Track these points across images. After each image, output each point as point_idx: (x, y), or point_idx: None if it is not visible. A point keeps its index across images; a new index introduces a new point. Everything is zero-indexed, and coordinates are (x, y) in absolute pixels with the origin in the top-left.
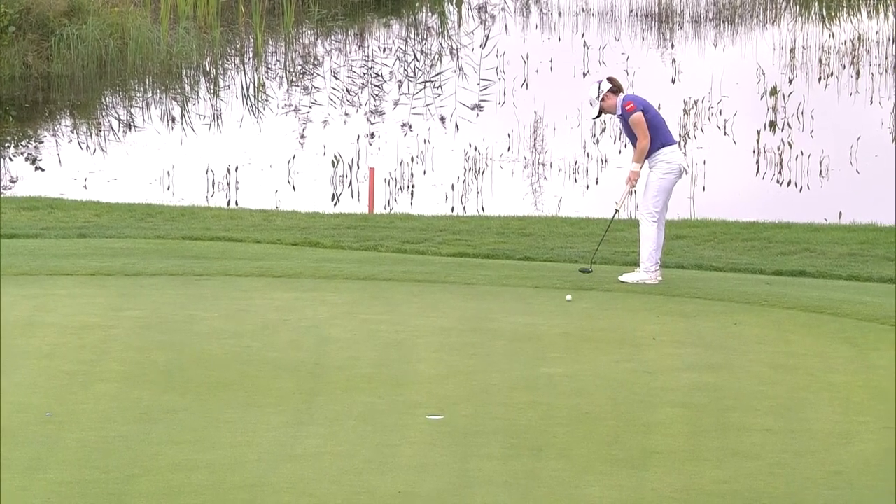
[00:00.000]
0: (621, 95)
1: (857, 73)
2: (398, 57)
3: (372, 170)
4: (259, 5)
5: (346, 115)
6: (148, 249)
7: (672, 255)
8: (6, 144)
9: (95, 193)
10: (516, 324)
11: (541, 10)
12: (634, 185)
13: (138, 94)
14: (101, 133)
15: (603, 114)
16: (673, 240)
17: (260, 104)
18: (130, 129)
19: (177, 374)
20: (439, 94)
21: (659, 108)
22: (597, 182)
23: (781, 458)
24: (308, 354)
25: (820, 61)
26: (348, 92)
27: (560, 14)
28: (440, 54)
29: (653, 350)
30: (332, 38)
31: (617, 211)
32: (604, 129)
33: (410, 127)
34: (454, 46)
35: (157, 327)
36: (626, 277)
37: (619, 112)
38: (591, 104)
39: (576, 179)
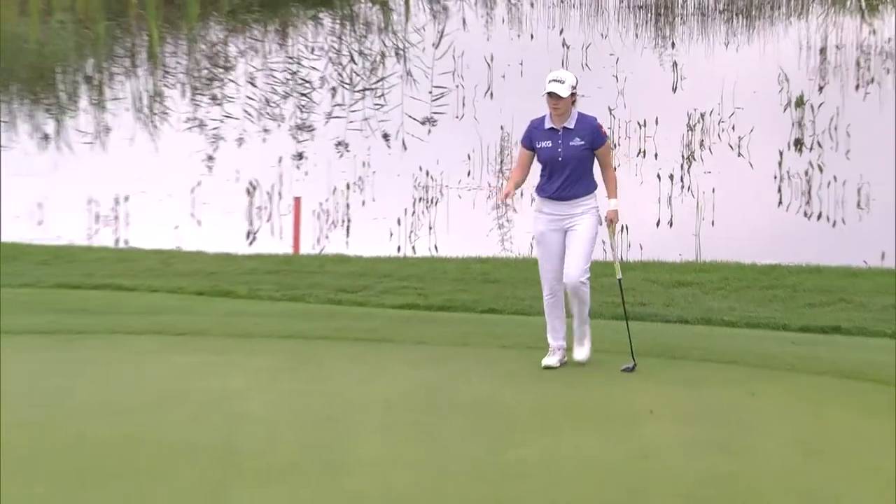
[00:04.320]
0: (575, 109)
1: None
2: (330, 59)
3: (297, 200)
4: None
5: (266, 131)
6: (12, 301)
7: (674, 306)
8: None
9: None
10: (479, 394)
11: (508, 1)
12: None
13: (2, 104)
14: None
15: (556, 111)
16: (674, 287)
17: (156, 118)
18: None
19: (44, 460)
20: (382, 105)
21: (656, 123)
22: None
23: None
24: (216, 435)
25: (858, 64)
26: (268, 102)
27: (532, 5)
28: (383, 55)
29: (649, 427)
30: (248, 34)
31: (620, 280)
32: None
33: (346, 146)
34: (400, 46)
35: (19, 401)
36: (582, 355)
37: (583, 132)
38: (560, 81)
39: None
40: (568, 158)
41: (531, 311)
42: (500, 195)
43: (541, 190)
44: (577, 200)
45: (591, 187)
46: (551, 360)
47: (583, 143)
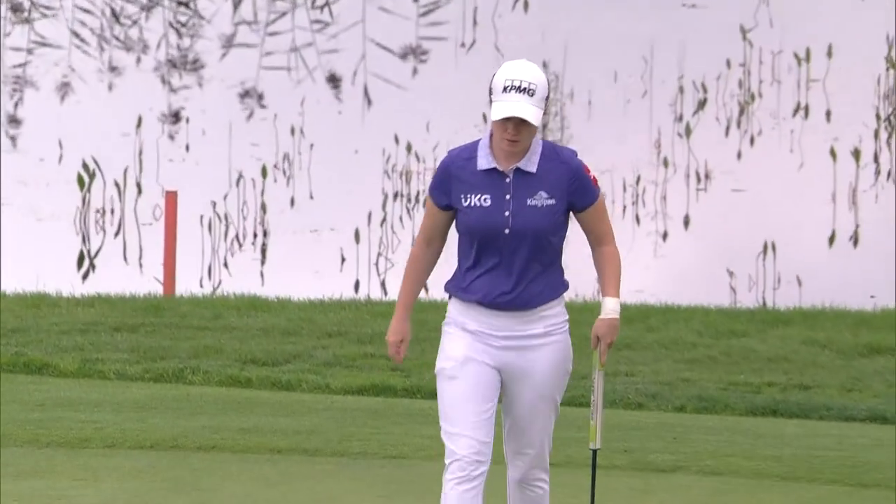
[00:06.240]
0: (538, 137)
1: None
2: None
3: (171, 197)
4: None
5: (113, 70)
6: None
7: (863, 391)
8: None
9: None
10: None
11: None
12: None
13: None
14: None
15: (512, 147)
16: (863, 357)
17: None
18: None
19: None
20: (325, 26)
21: (829, 55)
22: (686, 222)
23: None
24: None
25: None
26: (117, 19)
27: None
28: None
29: None
30: None
31: (594, 451)
32: (703, 105)
33: (260, 99)
34: None
35: None
36: None
37: (554, 180)
38: (527, 90)
39: (637, 218)
40: (524, 229)
41: (584, 402)
42: (390, 347)
43: (462, 289)
44: (534, 312)
45: (558, 286)
46: None
47: (552, 200)
